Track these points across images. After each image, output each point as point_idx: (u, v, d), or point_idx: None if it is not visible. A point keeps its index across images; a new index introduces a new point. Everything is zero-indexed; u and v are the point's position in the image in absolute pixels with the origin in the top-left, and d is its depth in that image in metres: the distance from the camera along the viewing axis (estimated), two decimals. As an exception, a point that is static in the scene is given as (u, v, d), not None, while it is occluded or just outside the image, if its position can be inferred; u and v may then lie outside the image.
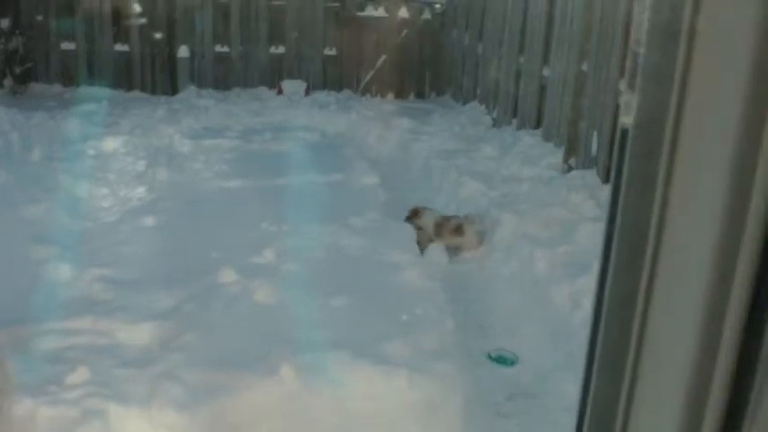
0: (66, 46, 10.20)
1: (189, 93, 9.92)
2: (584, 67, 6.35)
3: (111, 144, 7.64)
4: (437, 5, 10.31)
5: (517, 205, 5.64)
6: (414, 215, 5.61)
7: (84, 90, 9.93)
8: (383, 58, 10.31)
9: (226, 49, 10.33)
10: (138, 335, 3.72)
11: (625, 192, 0.80)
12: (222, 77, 10.32)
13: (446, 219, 5.52)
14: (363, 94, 10.36)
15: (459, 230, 5.41)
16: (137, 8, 10.17)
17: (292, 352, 3.48)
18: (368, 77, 10.40)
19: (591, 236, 4.78)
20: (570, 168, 6.39)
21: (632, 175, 0.79)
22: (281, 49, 10.38)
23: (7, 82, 9.74)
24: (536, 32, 7.44)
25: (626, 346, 0.81)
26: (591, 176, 6.00)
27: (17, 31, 9.92)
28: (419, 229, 5.48)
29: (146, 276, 4.37)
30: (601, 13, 6.03)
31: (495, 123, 8.30)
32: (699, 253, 0.74)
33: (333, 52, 10.44)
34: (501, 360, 4.17)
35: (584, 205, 5.44)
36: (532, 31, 7.52)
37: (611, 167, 0.84)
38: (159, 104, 9.36)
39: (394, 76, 10.39)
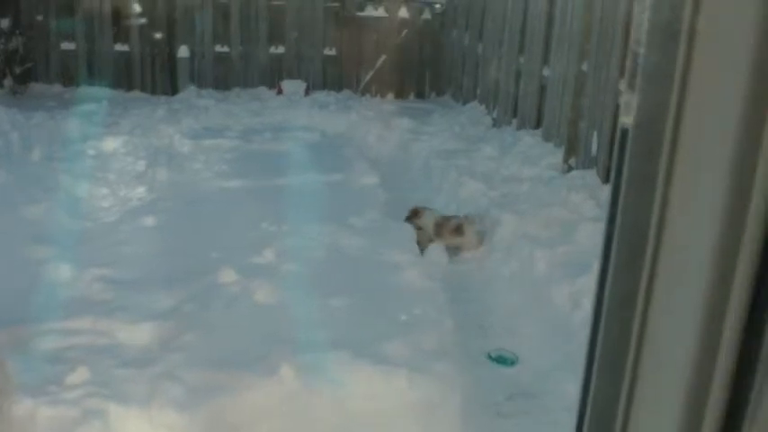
0: (66, 46, 10.20)
1: (189, 93, 9.93)
2: (585, 67, 6.35)
3: (111, 144, 7.64)
4: (437, 5, 10.31)
5: (517, 205, 5.64)
6: (414, 215, 5.61)
7: (84, 90, 9.93)
8: (383, 58, 10.31)
9: (226, 49, 10.33)
10: (138, 335, 3.72)
11: (625, 192, 0.80)
12: (222, 77, 10.32)
13: (446, 219, 5.52)
14: (363, 94, 10.36)
15: (459, 230, 5.41)
16: (137, 8, 10.18)
17: (292, 352, 3.48)
18: (368, 77, 10.40)
19: (591, 236, 4.78)
20: (570, 168, 6.39)
21: (632, 175, 0.79)
22: (281, 49, 10.39)
23: (7, 82, 9.74)
24: (536, 32, 7.44)
25: (626, 345, 0.81)
26: (591, 176, 6.00)
27: (17, 31, 9.92)
28: (419, 228, 5.48)
29: (146, 276, 4.37)
30: (601, 13, 6.03)
31: (495, 123, 8.30)
32: (699, 253, 0.74)
33: (332, 52, 10.44)
34: (501, 360, 4.17)
35: (584, 205, 5.44)
36: (532, 30, 7.52)
37: (611, 167, 0.84)
38: (159, 104, 9.36)
39: (394, 76, 10.39)
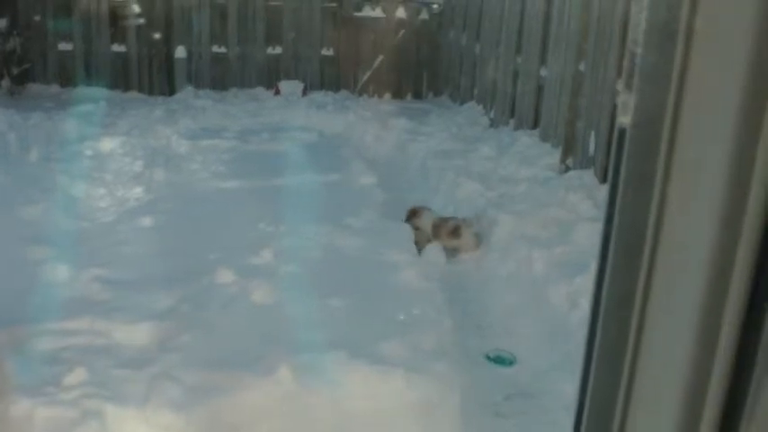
0: (64, 46, 10.20)
1: (186, 93, 9.92)
2: (582, 66, 6.35)
3: (108, 144, 7.63)
4: (434, 6, 10.32)
5: (514, 205, 5.64)
6: (412, 215, 5.61)
7: (82, 90, 9.93)
8: (380, 58, 10.31)
9: (223, 49, 10.33)
10: (136, 335, 3.72)
11: (623, 191, 0.80)
12: (219, 78, 10.32)
13: (444, 220, 5.52)
14: (361, 94, 10.37)
15: (456, 233, 5.40)
16: (134, 9, 10.17)
17: (290, 352, 3.48)
18: (365, 78, 10.40)
19: (588, 236, 4.79)
20: (567, 168, 6.40)
21: (630, 174, 0.80)
22: (279, 50, 10.39)
23: (5, 83, 9.73)
24: (533, 32, 7.44)
25: (624, 344, 0.82)
26: (588, 176, 6.01)
27: (14, 32, 9.91)
28: (417, 229, 5.48)
29: (143, 277, 4.37)
30: (598, 13, 6.04)
31: (493, 124, 8.30)
32: (697, 252, 0.75)
33: (330, 53, 10.44)
34: (499, 360, 4.17)
35: (581, 205, 5.44)
36: (530, 30, 7.53)
37: (609, 167, 0.84)
38: (156, 105, 9.36)
39: (391, 76, 10.40)
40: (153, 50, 10.23)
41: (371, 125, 8.69)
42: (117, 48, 10.23)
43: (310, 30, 10.32)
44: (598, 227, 0.87)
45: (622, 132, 0.80)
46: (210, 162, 7.02)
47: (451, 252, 5.44)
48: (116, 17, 10.12)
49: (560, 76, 6.77)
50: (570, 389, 3.34)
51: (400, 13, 10.23)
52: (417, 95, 10.57)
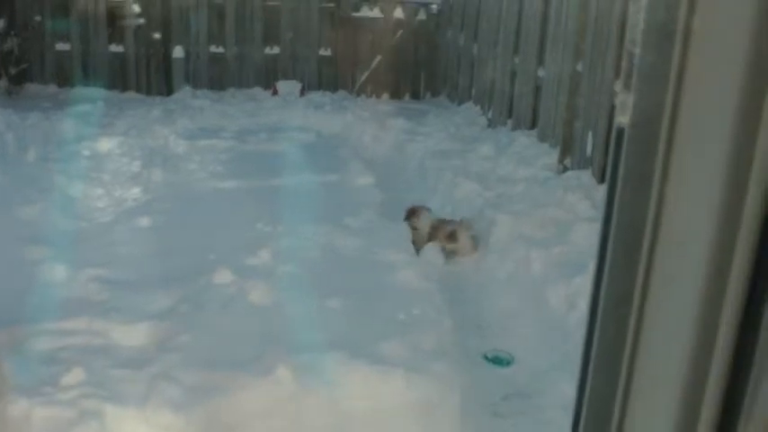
0: (62, 47, 10.19)
1: (184, 93, 9.92)
2: (580, 66, 6.36)
3: (106, 145, 7.63)
4: (432, 6, 10.32)
5: (512, 206, 5.64)
6: (411, 214, 5.60)
7: (80, 91, 9.93)
8: (378, 58, 10.31)
9: (221, 49, 10.33)
10: (134, 335, 3.72)
11: (621, 191, 0.81)
12: (217, 78, 10.32)
13: (442, 222, 5.49)
14: (359, 94, 10.37)
15: (452, 237, 5.37)
16: (132, 9, 10.17)
17: (288, 352, 3.48)
18: (363, 78, 10.40)
19: (586, 236, 4.79)
20: (565, 169, 6.40)
21: (628, 174, 0.80)
22: (276, 50, 10.39)
23: (2, 83, 9.72)
24: (531, 32, 7.45)
25: (622, 343, 0.82)
26: (586, 177, 6.01)
27: (12, 32, 9.90)
28: (415, 229, 5.48)
29: (141, 277, 4.37)
30: (596, 13, 6.04)
31: (491, 124, 8.31)
32: (695, 250, 0.75)
33: (328, 53, 10.45)
34: (497, 360, 4.18)
35: (579, 205, 5.44)
36: (527, 31, 7.53)
37: (607, 167, 0.84)
38: (154, 105, 9.36)
39: (389, 76, 10.40)
40: (151, 50, 10.22)
41: (369, 125, 8.69)
42: (114, 48, 10.23)
43: (308, 30, 10.32)
44: (596, 227, 0.87)
45: (621, 132, 0.80)
46: (208, 162, 7.02)
47: (449, 254, 5.43)
48: (114, 17, 10.12)
49: (558, 76, 6.77)
50: (568, 389, 3.35)
51: (398, 13, 10.24)
52: (415, 96, 10.57)
